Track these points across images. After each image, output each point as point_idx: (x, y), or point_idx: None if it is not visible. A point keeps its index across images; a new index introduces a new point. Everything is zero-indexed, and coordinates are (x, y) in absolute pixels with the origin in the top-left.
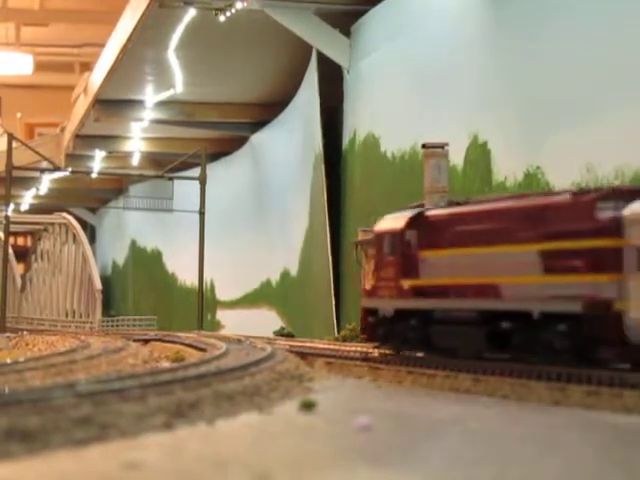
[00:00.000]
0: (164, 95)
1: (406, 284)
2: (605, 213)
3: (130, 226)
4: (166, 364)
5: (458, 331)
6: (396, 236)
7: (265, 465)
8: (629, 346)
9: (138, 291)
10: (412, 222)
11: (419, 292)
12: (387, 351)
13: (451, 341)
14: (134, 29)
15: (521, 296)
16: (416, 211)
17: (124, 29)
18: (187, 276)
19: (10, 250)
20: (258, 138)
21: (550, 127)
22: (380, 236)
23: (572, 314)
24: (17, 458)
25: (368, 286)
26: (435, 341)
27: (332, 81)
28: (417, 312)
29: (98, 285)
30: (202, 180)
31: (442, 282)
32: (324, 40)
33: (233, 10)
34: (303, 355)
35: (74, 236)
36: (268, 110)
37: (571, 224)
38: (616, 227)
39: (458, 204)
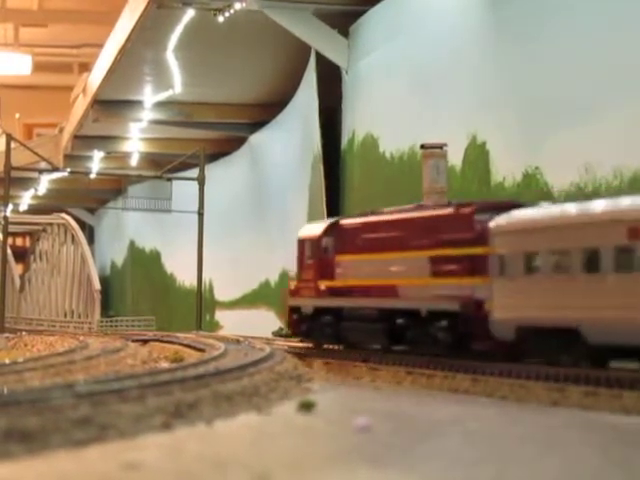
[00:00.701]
0: (163, 96)
1: (323, 285)
2: (480, 225)
3: (129, 227)
4: (165, 364)
5: (363, 327)
6: (314, 242)
7: (264, 466)
8: (495, 340)
9: (137, 291)
10: (328, 230)
11: (334, 292)
12: (309, 344)
13: (357, 336)
14: (133, 29)
15: (413, 296)
16: (332, 220)
17: (123, 29)
18: (186, 277)
19: (9, 250)
20: (257, 139)
21: (549, 127)
22: (302, 242)
23: (452, 312)
24: (16, 458)
25: (292, 286)
26: (345, 335)
27: (331, 81)
28: (331, 310)
29: (97, 285)
30: (201, 181)
31: (352, 283)
32: (323, 41)
33: (232, 11)
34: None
35: (73, 237)
36: (267, 111)
37: (453, 234)
38: (487, 237)
39: (369, 214)
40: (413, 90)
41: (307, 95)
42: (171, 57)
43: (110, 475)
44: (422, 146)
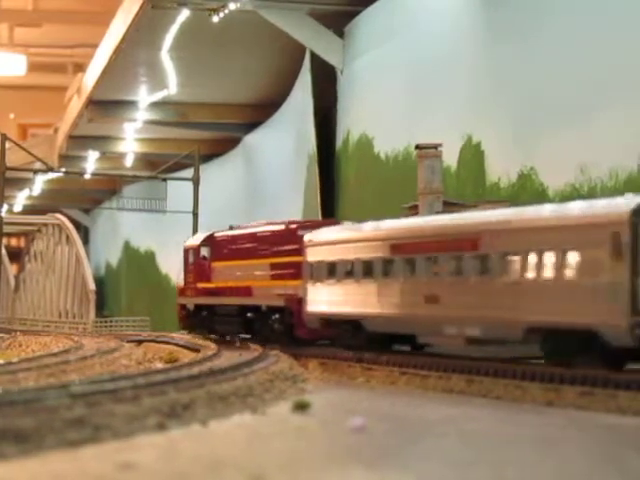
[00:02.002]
0: (158, 96)
1: (201, 286)
2: (301, 239)
3: (124, 227)
4: (159, 365)
5: (227, 320)
6: (195, 251)
7: (259, 466)
8: (309, 329)
9: (131, 292)
10: (205, 241)
11: (209, 292)
12: (196, 335)
13: (224, 327)
14: (127, 30)
15: (259, 295)
16: (208, 233)
17: (117, 30)
18: (181, 277)
19: (4, 251)
20: (251, 139)
21: (544, 128)
22: (186, 251)
23: (282, 307)
24: (11, 459)
25: (180, 287)
26: (215, 327)
27: (326, 82)
28: (207, 306)
29: (91, 286)
30: (195, 181)
31: (221, 285)
32: (317, 41)
33: (226, 11)
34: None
35: (67, 237)
36: (261, 111)
37: (283, 246)
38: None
39: (235, 228)
40: (408, 90)
41: (302, 95)
42: (166, 57)
43: (105, 476)
44: (417, 146)
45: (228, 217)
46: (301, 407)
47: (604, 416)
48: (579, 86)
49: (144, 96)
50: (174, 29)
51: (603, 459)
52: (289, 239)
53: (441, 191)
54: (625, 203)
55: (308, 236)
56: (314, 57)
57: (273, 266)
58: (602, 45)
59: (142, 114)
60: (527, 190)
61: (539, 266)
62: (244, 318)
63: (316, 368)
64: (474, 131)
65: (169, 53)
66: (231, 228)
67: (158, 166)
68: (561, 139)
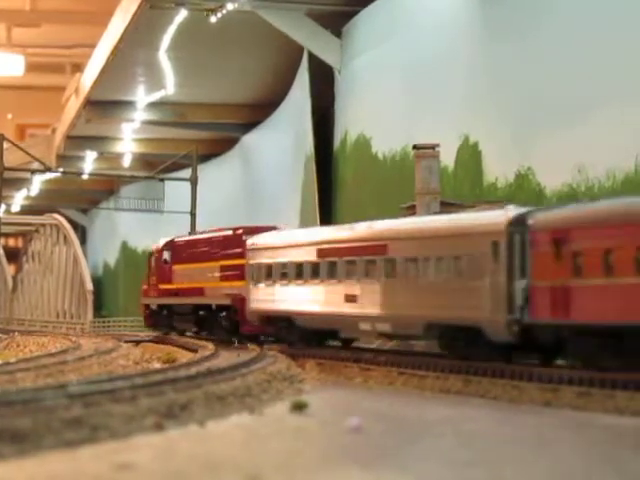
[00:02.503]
0: (155, 96)
1: (162, 287)
2: (245, 243)
3: (121, 227)
4: (157, 365)
5: (183, 318)
6: (157, 255)
7: (256, 466)
8: (252, 325)
9: (129, 292)
10: (166, 245)
11: (169, 293)
12: (159, 333)
13: (181, 324)
14: (125, 30)
15: (210, 295)
16: (170, 238)
17: (115, 30)
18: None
19: (1, 251)
20: (249, 139)
21: (542, 128)
22: (150, 255)
23: (228, 306)
24: (8, 459)
25: (144, 288)
26: (174, 325)
27: (323, 82)
28: (167, 306)
29: (89, 286)
30: (193, 181)
31: (180, 286)
32: (315, 41)
33: (224, 11)
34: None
35: (65, 237)
36: (259, 111)
37: (230, 249)
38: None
39: (192, 234)
40: (405, 90)
41: (299, 95)
42: (164, 57)
43: (102, 476)
44: (414, 147)
45: (226, 217)
46: (299, 407)
47: (601, 416)
48: (577, 86)
49: (142, 96)
50: (172, 29)
51: (600, 459)
52: (235, 243)
53: (438, 191)
54: (503, 215)
55: (250, 240)
56: (312, 57)
57: (222, 268)
58: (600, 45)
59: (140, 114)
60: (524, 190)
61: (436, 270)
62: (197, 316)
63: (313, 368)
64: (471, 131)
65: (167, 53)
66: (190, 234)
67: (156, 166)
68: (558, 139)
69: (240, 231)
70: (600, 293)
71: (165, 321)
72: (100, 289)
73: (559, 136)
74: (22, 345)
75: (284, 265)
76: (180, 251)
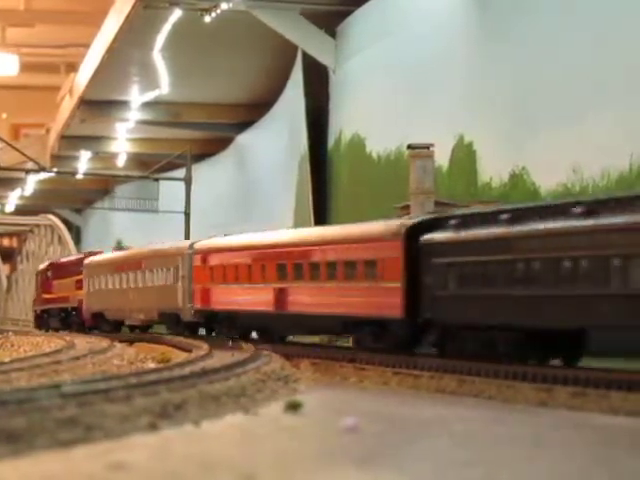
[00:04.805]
0: (150, 96)
1: (45, 297)
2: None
3: (116, 227)
4: (152, 365)
5: (55, 319)
6: (43, 272)
7: (251, 466)
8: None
9: None
10: (49, 266)
11: (50, 301)
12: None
13: (53, 323)
14: (119, 29)
15: (71, 301)
16: (51, 261)
17: (110, 30)
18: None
19: None
20: (243, 139)
21: (536, 128)
22: (37, 273)
23: (76, 307)
24: (2, 459)
25: (34, 298)
26: (50, 324)
27: (318, 82)
28: (47, 310)
29: None
30: (187, 181)
31: (55, 296)
32: (310, 41)
33: (218, 11)
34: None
35: (59, 237)
36: (253, 111)
37: (79, 268)
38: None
39: (64, 257)
40: (400, 90)
41: (294, 95)
42: (158, 57)
43: (96, 476)
44: (409, 146)
45: (220, 217)
46: (293, 407)
47: (596, 416)
48: (572, 86)
49: (136, 96)
50: (166, 29)
51: (595, 460)
52: (81, 264)
53: (433, 191)
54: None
55: (85, 262)
56: (306, 57)
57: (76, 282)
58: (595, 45)
59: (134, 114)
60: (519, 190)
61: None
62: (61, 316)
63: (308, 368)
64: (466, 131)
65: (161, 53)
66: (75, 255)
67: (150, 166)
68: (553, 139)
69: (85, 255)
70: (224, 291)
71: (46, 322)
72: None
73: (554, 136)
74: (16, 345)
75: (97, 280)
76: (57, 270)
